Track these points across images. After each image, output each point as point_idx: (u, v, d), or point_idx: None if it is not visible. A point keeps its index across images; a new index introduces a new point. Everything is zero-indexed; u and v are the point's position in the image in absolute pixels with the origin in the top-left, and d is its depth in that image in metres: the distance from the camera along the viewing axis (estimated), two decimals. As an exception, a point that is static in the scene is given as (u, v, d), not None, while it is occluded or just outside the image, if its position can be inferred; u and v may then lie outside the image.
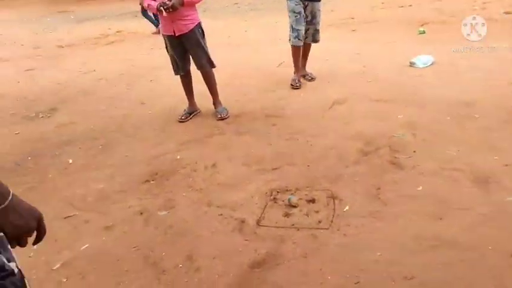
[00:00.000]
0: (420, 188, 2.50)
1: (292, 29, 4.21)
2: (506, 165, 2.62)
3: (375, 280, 1.88)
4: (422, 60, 4.51)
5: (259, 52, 6.01)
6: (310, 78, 4.57)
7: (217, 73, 3.95)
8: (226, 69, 4.81)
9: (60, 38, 9.52)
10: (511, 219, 2.15)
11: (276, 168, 2.90)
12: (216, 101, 3.93)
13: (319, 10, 4.25)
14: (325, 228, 2.25)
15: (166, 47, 3.79)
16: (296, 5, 4.11)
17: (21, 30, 11.28)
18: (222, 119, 3.80)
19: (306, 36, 4.29)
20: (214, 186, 2.78)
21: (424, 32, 6.03)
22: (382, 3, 8.15)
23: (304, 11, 4.16)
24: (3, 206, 0.88)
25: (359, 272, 1.92)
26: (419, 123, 3.30)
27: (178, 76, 3.91)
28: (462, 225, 2.15)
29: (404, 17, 6.92)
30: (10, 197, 0.90)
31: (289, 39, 4.31)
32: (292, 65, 4.45)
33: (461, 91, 3.84)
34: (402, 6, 7.59)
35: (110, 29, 9.93)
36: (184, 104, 4.03)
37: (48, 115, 4.46)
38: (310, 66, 4.65)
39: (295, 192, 2.61)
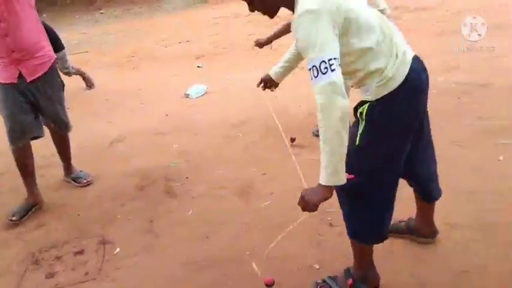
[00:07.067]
0: (190, 212, 2.57)
1: None
2: (264, 174, 2.94)
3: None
4: (196, 90, 4.79)
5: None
6: None
7: None
8: None
9: None
10: (266, 222, 2.39)
11: (40, 226, 2.59)
12: None
13: None
14: (93, 279, 2.08)
15: None
16: None
17: None
18: None
19: None
20: None
21: (201, 66, 6.44)
22: (163, 40, 8.44)
23: None
24: None
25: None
26: (193, 150, 3.45)
27: None
28: (227, 239, 2.28)
29: (183, 52, 7.29)
30: None
31: None
32: None
33: (232, 114, 4.16)
34: (180, 42, 8.01)
35: None
36: None
37: None
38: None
39: (62, 246, 2.35)
